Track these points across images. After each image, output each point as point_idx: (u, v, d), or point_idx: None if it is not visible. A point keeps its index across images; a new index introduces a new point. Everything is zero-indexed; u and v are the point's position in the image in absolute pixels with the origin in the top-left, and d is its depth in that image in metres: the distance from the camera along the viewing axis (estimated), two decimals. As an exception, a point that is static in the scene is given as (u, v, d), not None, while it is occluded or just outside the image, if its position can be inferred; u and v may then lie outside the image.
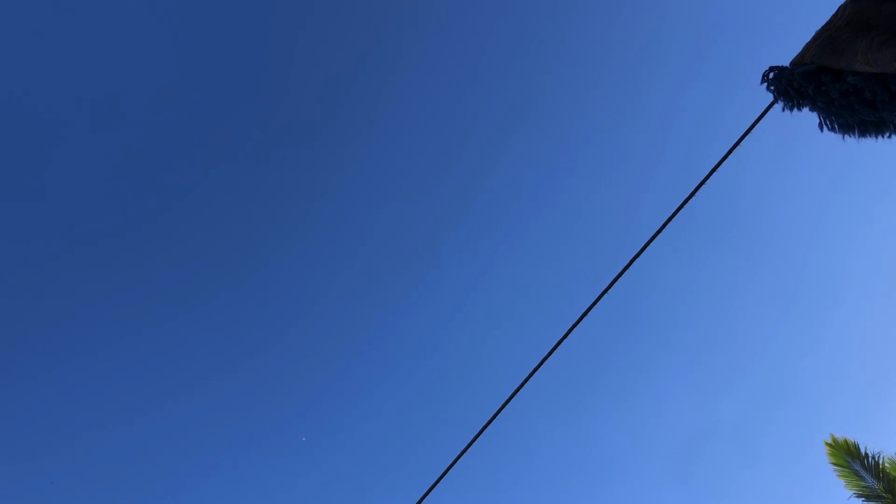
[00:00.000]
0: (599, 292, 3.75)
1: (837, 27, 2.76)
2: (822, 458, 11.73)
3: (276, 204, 16.45)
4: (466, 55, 15.41)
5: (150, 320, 16.24)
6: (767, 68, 3.03)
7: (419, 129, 15.93)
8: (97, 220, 15.30)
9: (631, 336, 18.46)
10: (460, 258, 17.40)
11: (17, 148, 14.16)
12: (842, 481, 11.56)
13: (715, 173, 3.50)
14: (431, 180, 16.68)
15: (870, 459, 11.36)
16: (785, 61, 2.98)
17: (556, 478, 18.45)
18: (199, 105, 15.11)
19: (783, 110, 3.01)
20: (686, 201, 3.56)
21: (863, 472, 11.36)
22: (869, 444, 11.44)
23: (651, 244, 3.63)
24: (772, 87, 3.01)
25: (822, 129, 2.95)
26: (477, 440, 4.00)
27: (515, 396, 3.96)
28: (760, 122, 3.24)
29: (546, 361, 3.87)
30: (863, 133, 2.85)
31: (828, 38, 2.78)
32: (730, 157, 3.43)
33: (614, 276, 3.73)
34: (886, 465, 11.27)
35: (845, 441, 11.50)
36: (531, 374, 3.91)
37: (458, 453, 4.02)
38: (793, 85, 2.91)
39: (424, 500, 4.20)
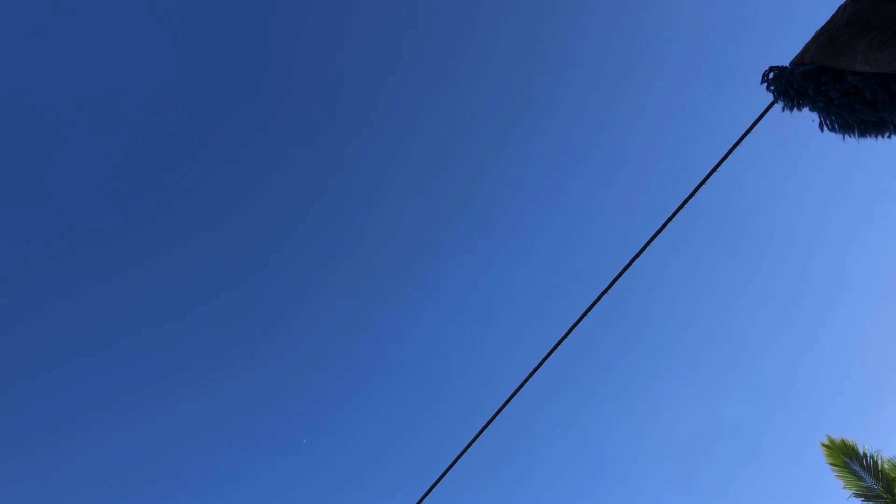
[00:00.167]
0: (599, 292, 3.76)
1: (837, 27, 2.76)
2: (822, 458, 11.75)
3: (276, 204, 16.47)
4: (466, 55, 15.42)
5: (150, 320, 16.26)
6: (767, 68, 3.03)
7: (419, 129, 15.94)
8: (97, 220, 15.32)
9: (631, 336, 18.48)
10: (460, 258, 17.42)
11: (17, 148, 14.18)
12: (840, 482, 11.57)
13: (715, 173, 3.50)
14: (431, 180, 16.70)
15: (868, 459, 11.36)
16: (785, 61, 2.98)
17: (556, 478, 18.47)
18: (199, 105, 15.12)
19: (783, 110, 3.01)
20: (686, 201, 3.56)
21: (861, 472, 11.36)
22: (867, 444, 11.46)
23: (651, 244, 3.63)
24: (772, 87, 3.01)
25: (822, 129, 2.95)
26: (477, 440, 4.00)
27: (515, 396, 3.96)
28: (760, 122, 3.24)
29: (546, 361, 3.87)
30: (863, 133, 2.85)
31: (828, 38, 2.78)
32: (730, 157, 3.43)
33: (614, 276, 3.73)
34: (885, 465, 11.27)
35: (843, 441, 11.50)
36: (531, 374, 3.91)
37: (459, 453, 4.02)
38: (793, 85, 2.91)
39: (424, 501, 4.20)
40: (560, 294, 17.55)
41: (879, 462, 11.29)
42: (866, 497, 11.38)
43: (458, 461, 4.02)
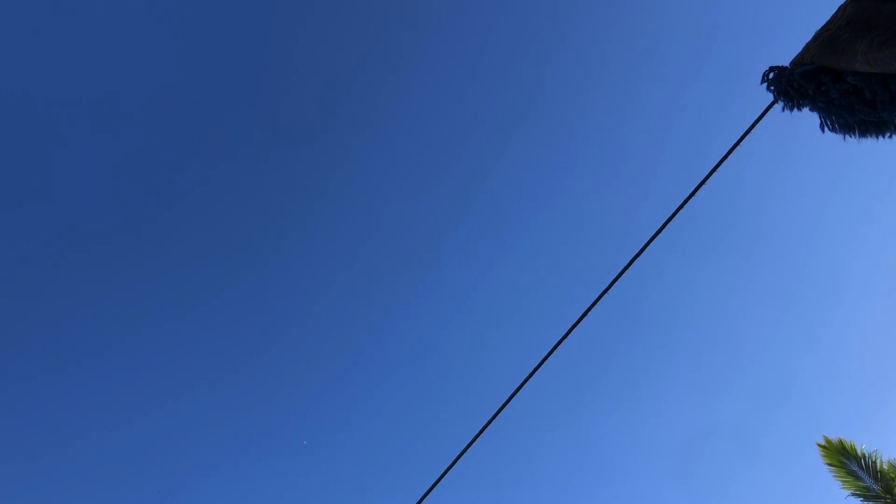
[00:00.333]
0: (599, 292, 3.76)
1: (837, 27, 2.76)
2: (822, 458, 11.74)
3: (277, 204, 16.47)
4: (466, 55, 15.43)
5: (150, 320, 16.26)
6: (767, 68, 3.03)
7: (419, 129, 15.94)
8: (97, 220, 15.32)
9: (631, 336, 18.48)
10: (460, 258, 17.42)
11: (17, 148, 14.18)
12: (838, 482, 11.56)
13: (715, 173, 3.50)
14: (431, 180, 16.70)
15: (867, 460, 11.35)
16: (785, 61, 2.98)
17: (556, 478, 18.47)
18: (199, 105, 15.12)
19: (783, 110, 3.01)
20: (686, 201, 3.56)
21: (860, 473, 11.35)
22: (866, 445, 11.44)
23: (651, 244, 3.63)
24: (772, 87, 3.01)
25: (822, 129, 2.95)
26: (477, 440, 4.00)
27: (515, 396, 3.96)
28: (760, 122, 3.24)
29: (546, 361, 3.87)
30: (863, 133, 2.85)
31: (828, 38, 2.78)
32: (730, 157, 3.43)
33: (614, 276, 3.73)
34: (884, 465, 11.26)
35: (840, 442, 11.49)
36: (531, 374, 3.91)
37: (459, 453, 4.02)
38: (793, 85, 2.91)
39: (424, 501, 4.20)
40: (560, 294, 17.57)
41: (878, 462, 11.28)
42: (865, 497, 11.36)
43: (458, 461, 4.03)
